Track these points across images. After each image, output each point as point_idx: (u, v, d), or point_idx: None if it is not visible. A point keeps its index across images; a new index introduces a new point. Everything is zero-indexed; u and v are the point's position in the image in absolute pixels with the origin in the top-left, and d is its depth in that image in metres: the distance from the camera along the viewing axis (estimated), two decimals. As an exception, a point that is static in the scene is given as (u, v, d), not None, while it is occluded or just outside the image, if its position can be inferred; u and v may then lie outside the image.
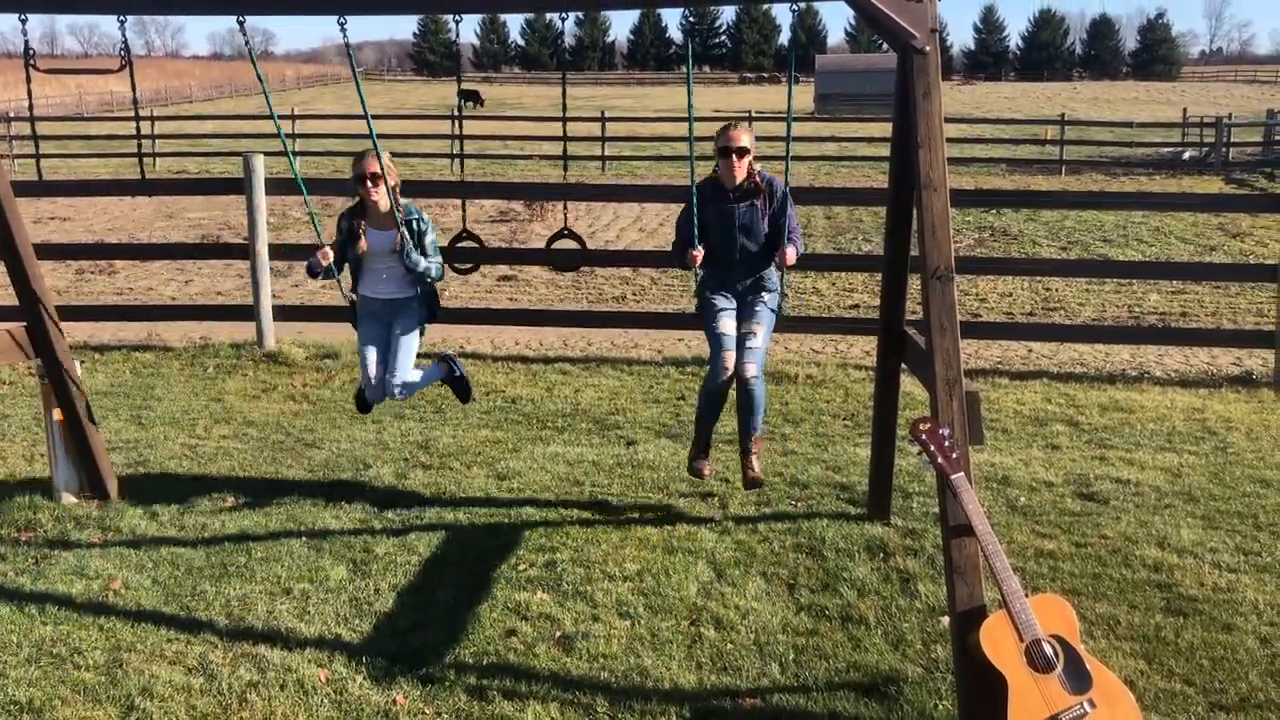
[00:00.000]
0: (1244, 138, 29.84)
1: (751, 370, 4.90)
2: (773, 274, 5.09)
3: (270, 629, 4.11)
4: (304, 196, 5.42)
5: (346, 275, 5.33)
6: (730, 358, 4.90)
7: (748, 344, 4.95)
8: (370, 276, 5.25)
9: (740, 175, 5.00)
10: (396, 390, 5.20)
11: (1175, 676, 3.77)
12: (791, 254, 4.91)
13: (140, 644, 3.99)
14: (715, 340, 4.97)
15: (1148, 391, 7.48)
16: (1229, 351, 8.63)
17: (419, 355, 5.39)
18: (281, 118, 27.46)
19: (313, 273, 5.15)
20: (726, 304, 5.05)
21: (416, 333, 5.28)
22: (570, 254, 5.49)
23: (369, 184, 5.10)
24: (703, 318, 5.11)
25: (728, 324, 4.99)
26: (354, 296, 5.34)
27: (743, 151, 4.98)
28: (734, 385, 4.98)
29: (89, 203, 18.76)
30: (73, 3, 4.46)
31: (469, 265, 6.12)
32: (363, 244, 5.15)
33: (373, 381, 5.23)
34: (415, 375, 5.27)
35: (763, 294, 5.08)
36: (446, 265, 5.50)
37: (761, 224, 4.99)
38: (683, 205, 5.08)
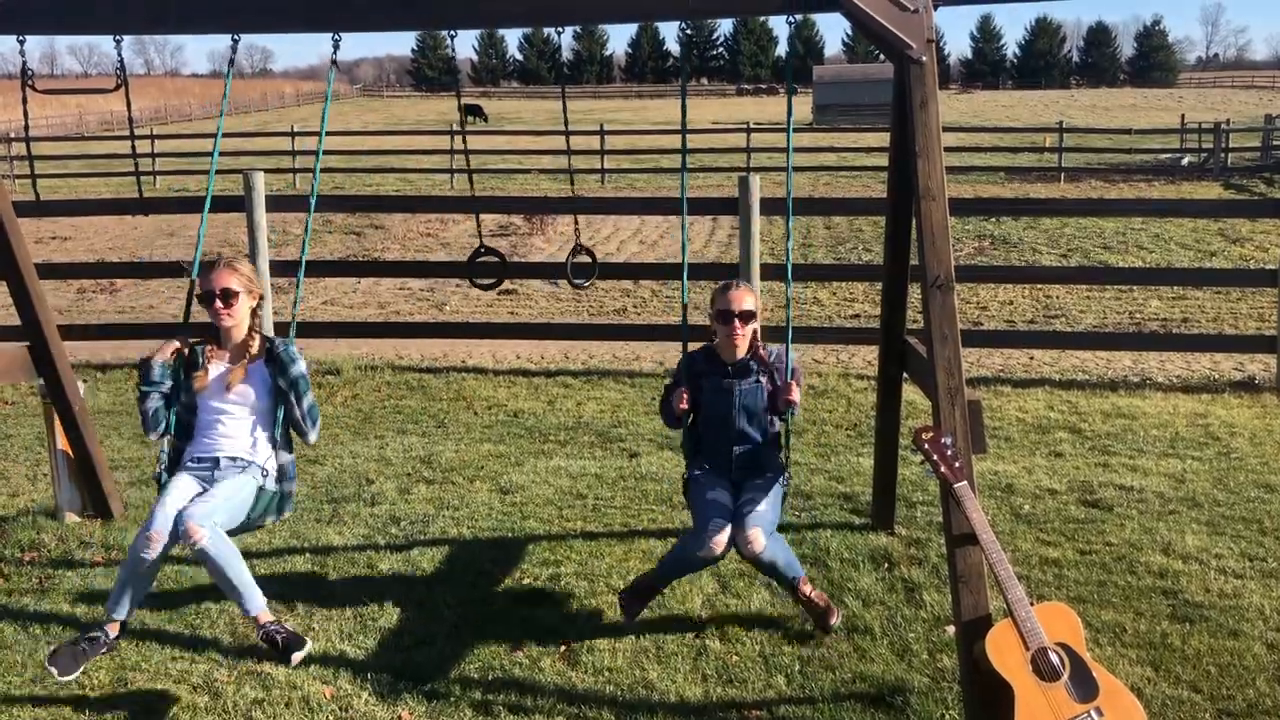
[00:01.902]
0: (1242, 143, 29.88)
1: (758, 543, 3.85)
2: (775, 452, 4.26)
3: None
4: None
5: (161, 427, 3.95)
6: (721, 532, 3.85)
7: (746, 510, 3.94)
8: (203, 428, 3.91)
9: (743, 348, 4.15)
10: (187, 521, 3.55)
11: (1182, 683, 3.76)
12: (797, 392, 4.10)
13: (145, 663, 3.98)
14: (704, 509, 3.97)
15: (1150, 398, 7.48)
16: (1231, 356, 8.63)
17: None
18: (280, 135, 27.59)
19: (145, 375, 3.89)
20: (720, 482, 4.14)
21: (249, 489, 3.85)
22: (586, 267, 5.44)
23: (218, 304, 3.88)
24: (688, 497, 4.20)
25: (721, 494, 4.05)
26: (162, 464, 3.94)
27: (747, 316, 4.12)
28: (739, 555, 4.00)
29: (89, 222, 18.79)
30: (70, 24, 4.47)
31: (490, 281, 5.78)
32: (201, 377, 3.86)
33: (160, 516, 3.61)
34: (225, 545, 3.64)
35: (766, 473, 4.17)
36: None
37: (765, 404, 4.16)
38: (681, 219, 4.68)
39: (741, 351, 4.18)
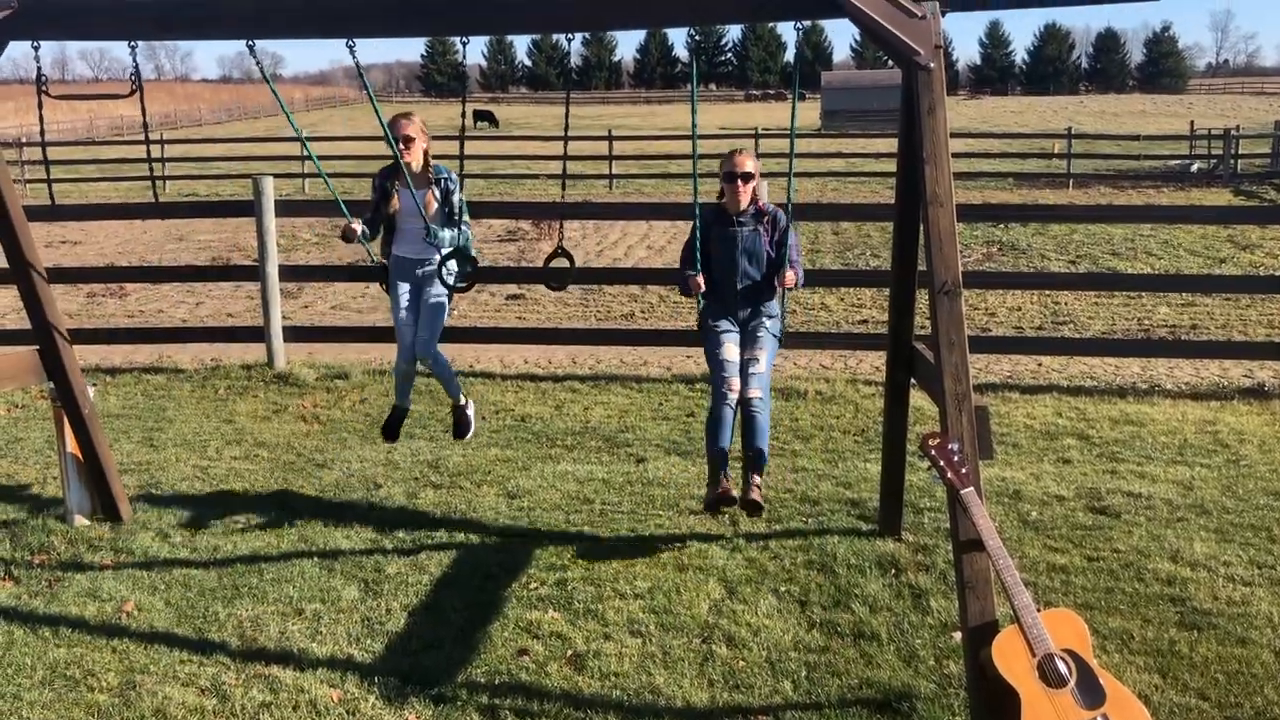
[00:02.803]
0: (1252, 149, 29.83)
1: (756, 393, 4.85)
2: (774, 301, 5.09)
3: (283, 649, 4.12)
4: (325, 180, 5.49)
5: (375, 244, 5.53)
6: (734, 382, 4.86)
7: (751, 369, 4.91)
8: (403, 237, 5.43)
9: (745, 200, 5.02)
10: (431, 350, 5.40)
11: (1190, 691, 3.75)
12: (792, 277, 4.91)
13: (153, 666, 4.00)
14: (718, 365, 4.93)
15: (1159, 404, 7.46)
16: (1240, 363, 8.60)
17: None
18: (290, 140, 27.69)
19: (346, 238, 5.29)
20: (729, 328, 5.03)
21: (446, 297, 5.43)
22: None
23: (402, 145, 5.26)
24: (704, 344, 5.09)
25: (730, 350, 4.95)
26: (383, 260, 5.55)
27: (747, 177, 5.00)
28: (739, 410, 4.91)
29: (100, 226, 18.88)
30: (84, 30, 4.51)
31: (559, 285, 5.85)
32: (394, 203, 5.37)
33: (406, 344, 5.42)
34: (442, 361, 5.53)
35: (764, 319, 5.05)
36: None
37: (764, 248, 5.00)
38: (689, 224, 5.06)
39: (744, 204, 5.02)
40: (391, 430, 5.72)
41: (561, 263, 5.30)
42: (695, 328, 5.33)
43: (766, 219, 5.04)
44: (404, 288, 5.48)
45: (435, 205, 5.32)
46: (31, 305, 5.07)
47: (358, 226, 5.25)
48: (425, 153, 5.39)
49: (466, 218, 5.45)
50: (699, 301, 5.10)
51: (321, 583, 4.70)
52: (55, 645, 4.16)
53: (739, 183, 4.99)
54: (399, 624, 4.33)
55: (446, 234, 5.29)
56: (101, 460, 5.33)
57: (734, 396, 4.85)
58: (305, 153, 4.93)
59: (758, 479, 4.93)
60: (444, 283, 5.29)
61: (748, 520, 5.32)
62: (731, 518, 5.39)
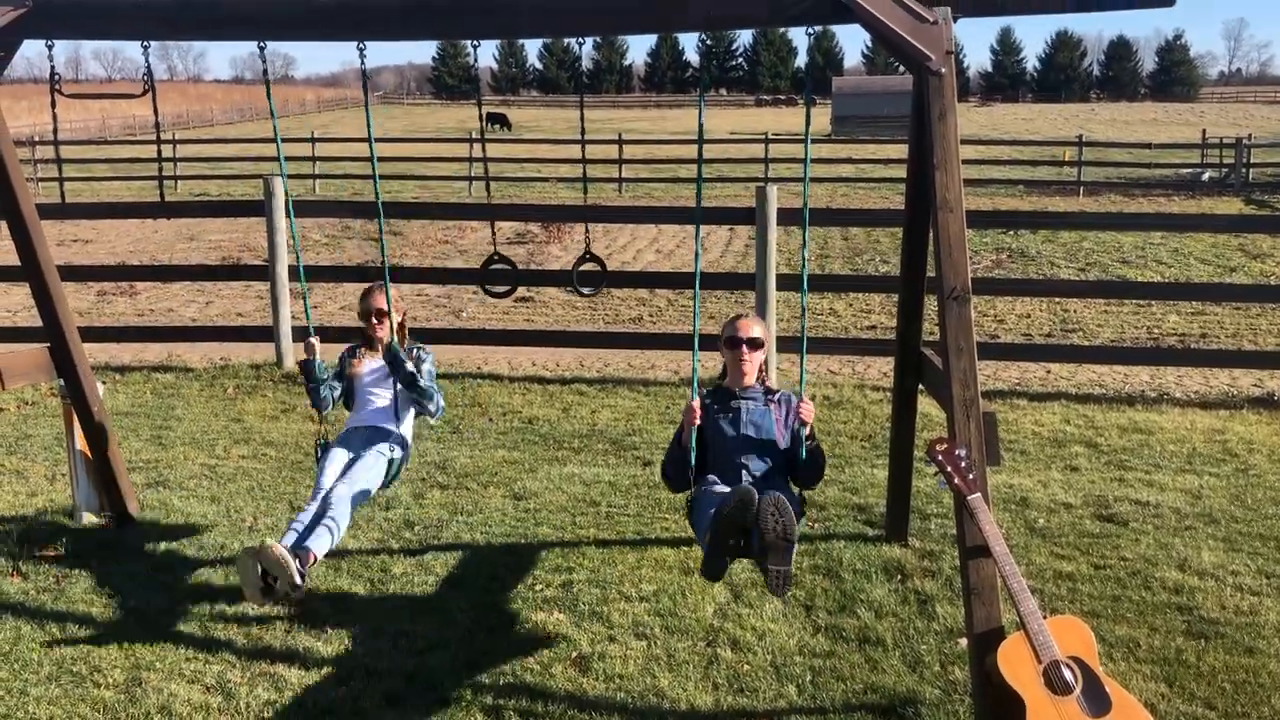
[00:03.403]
0: (1264, 158, 29.70)
1: (780, 501, 3.53)
2: (791, 491, 4.02)
3: (288, 648, 4.13)
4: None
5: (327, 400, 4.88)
6: (746, 487, 3.60)
7: (770, 484, 3.90)
8: (361, 402, 4.92)
9: (750, 375, 4.20)
10: (335, 494, 4.40)
11: (1197, 700, 3.74)
12: (809, 407, 4.02)
13: (159, 663, 4.01)
14: (719, 497, 3.75)
15: (1167, 413, 7.44)
16: (1250, 373, 8.58)
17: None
18: (301, 141, 27.77)
19: (306, 369, 4.82)
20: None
21: (386, 462, 4.68)
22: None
23: (374, 320, 4.88)
24: (694, 518, 3.93)
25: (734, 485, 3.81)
26: (324, 440, 4.78)
27: (754, 344, 4.20)
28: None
29: (111, 224, 18.95)
30: (96, 29, 4.53)
31: (591, 289, 5.74)
32: (358, 364, 4.94)
33: (322, 488, 4.46)
34: (350, 506, 4.43)
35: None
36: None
37: (774, 427, 4.08)
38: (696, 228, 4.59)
39: (750, 379, 4.21)
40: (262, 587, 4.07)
41: (591, 267, 5.28)
42: (703, 331, 4.64)
43: (778, 398, 4.18)
44: (339, 452, 4.66)
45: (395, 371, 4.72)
46: (43, 303, 5.10)
47: (317, 345, 4.77)
48: (401, 327, 4.97)
49: (435, 388, 4.83)
50: (691, 476, 4.03)
51: (328, 582, 4.70)
52: (62, 641, 4.17)
53: (744, 349, 4.17)
54: (404, 624, 4.33)
55: (423, 380, 4.73)
56: (110, 458, 5.35)
57: (749, 494, 3.54)
58: (279, 157, 4.65)
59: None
60: (417, 383, 4.70)
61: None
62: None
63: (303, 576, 4.01)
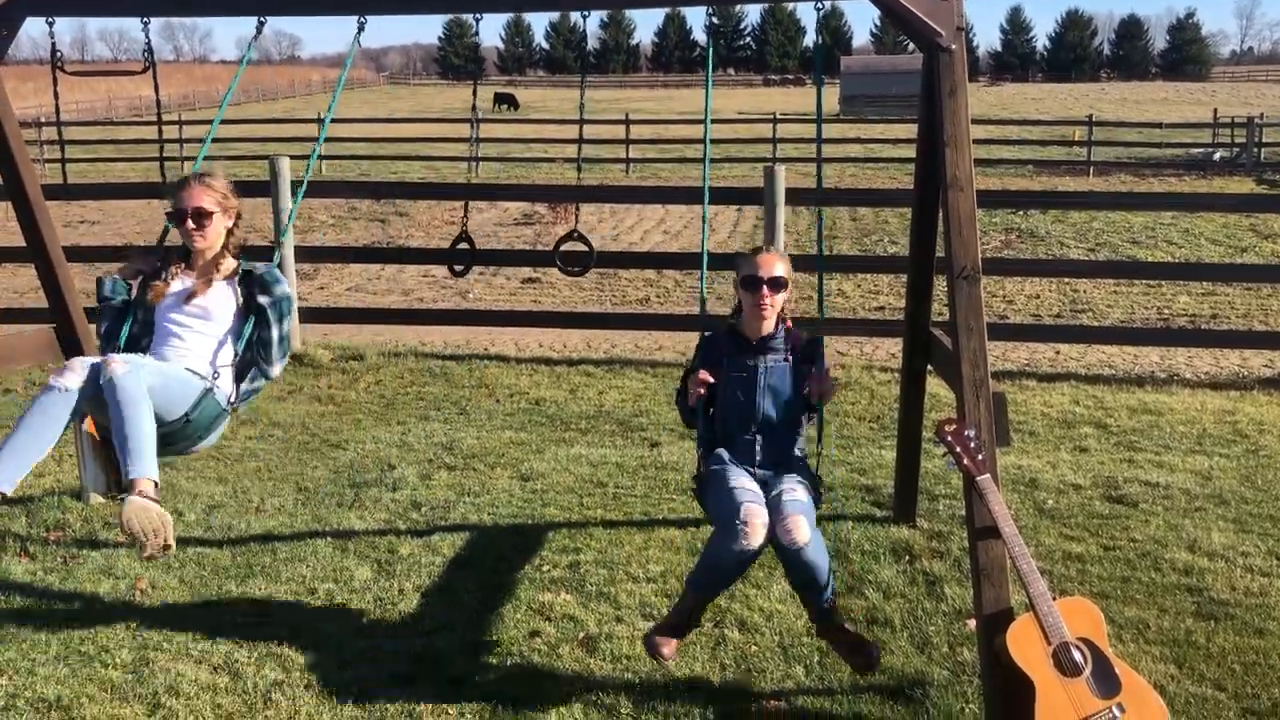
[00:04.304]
0: (1276, 138, 29.52)
1: (801, 533, 3.32)
2: (800, 455, 3.82)
3: (295, 628, 4.12)
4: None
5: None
6: (757, 518, 3.31)
7: (785, 498, 3.43)
8: (158, 343, 3.67)
9: (771, 320, 3.69)
10: (116, 360, 3.34)
11: (1206, 681, 3.72)
12: (830, 381, 3.74)
13: (166, 643, 4.01)
14: (730, 497, 3.40)
15: (1177, 394, 7.40)
16: (1260, 353, 8.52)
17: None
18: (306, 121, 27.71)
19: (98, 291, 3.76)
20: (741, 472, 3.62)
21: (193, 388, 3.57)
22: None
23: (190, 224, 3.66)
24: (706, 489, 3.64)
25: (746, 481, 3.52)
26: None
27: (777, 284, 3.65)
28: (779, 552, 3.44)
29: (117, 205, 18.94)
30: (97, 5, 4.50)
31: (578, 268, 5.58)
32: (160, 287, 3.63)
33: (80, 359, 3.45)
34: (150, 392, 3.37)
35: (787, 479, 3.60)
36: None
37: (794, 387, 3.72)
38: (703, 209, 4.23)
39: (769, 326, 3.69)
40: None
41: (577, 247, 5.19)
42: (711, 311, 4.60)
43: (797, 349, 3.74)
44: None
45: (217, 313, 3.70)
46: (48, 284, 5.08)
47: (110, 277, 3.74)
48: (229, 233, 3.84)
49: (288, 324, 3.77)
50: (699, 444, 3.82)
51: (334, 563, 4.70)
52: (70, 621, 4.18)
53: (765, 291, 3.63)
54: (411, 605, 4.33)
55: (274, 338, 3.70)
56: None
57: (757, 540, 3.31)
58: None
59: (838, 622, 3.57)
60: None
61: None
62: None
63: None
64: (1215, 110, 33.61)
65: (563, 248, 5.28)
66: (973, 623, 3.99)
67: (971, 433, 3.45)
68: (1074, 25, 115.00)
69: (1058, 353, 8.75)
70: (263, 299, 3.68)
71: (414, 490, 5.60)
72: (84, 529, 5.09)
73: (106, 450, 5.40)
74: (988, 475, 3.39)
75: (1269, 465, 5.90)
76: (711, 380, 3.64)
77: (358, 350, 8.49)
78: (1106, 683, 3.09)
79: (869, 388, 7.53)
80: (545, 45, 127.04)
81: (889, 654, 3.92)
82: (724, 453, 3.70)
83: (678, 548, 4.84)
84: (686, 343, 8.90)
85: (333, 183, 16.22)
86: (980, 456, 3.41)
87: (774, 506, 3.40)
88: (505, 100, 54.89)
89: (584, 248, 5.09)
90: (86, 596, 4.39)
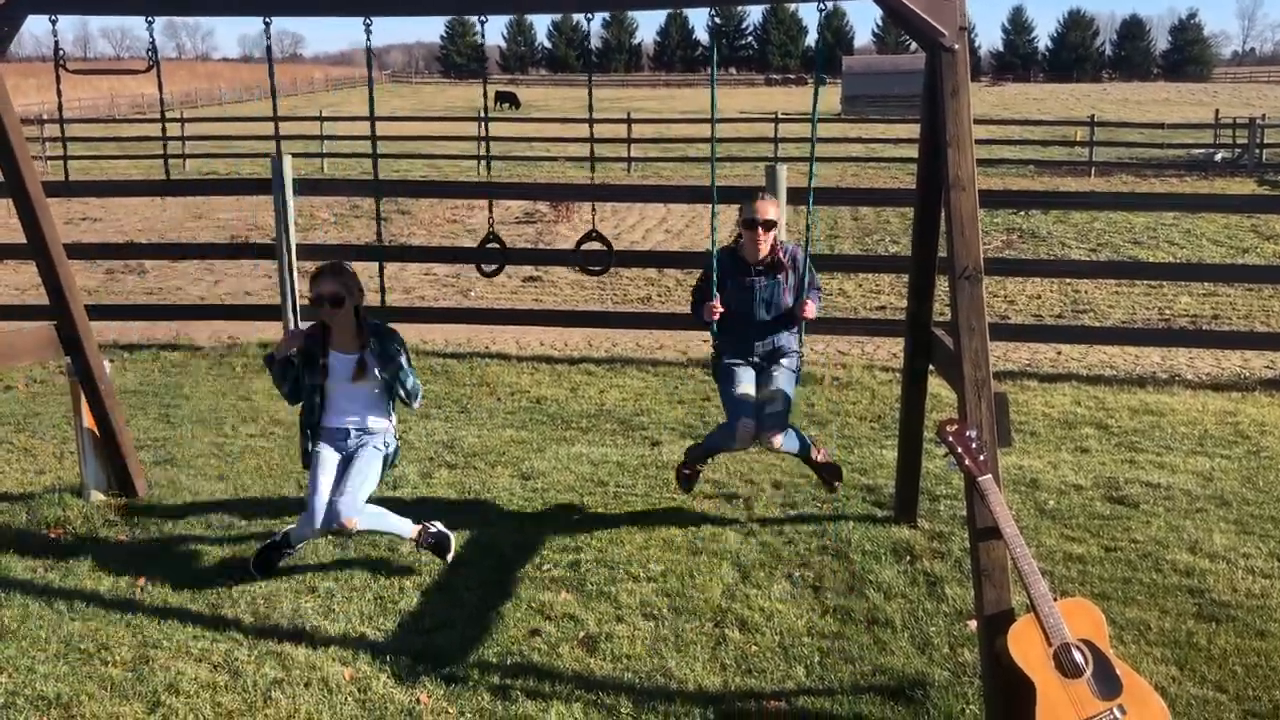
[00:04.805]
0: (1277, 139, 29.46)
1: (778, 440, 4.73)
2: (792, 337, 4.99)
3: (295, 627, 4.13)
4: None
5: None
6: (748, 425, 4.71)
7: (768, 409, 4.76)
8: (334, 406, 4.56)
9: (765, 249, 4.86)
10: (343, 515, 4.27)
11: (1208, 683, 3.72)
12: (812, 308, 4.82)
13: (166, 641, 4.01)
14: (732, 405, 4.79)
15: (1179, 394, 7.39)
16: (1262, 354, 8.52)
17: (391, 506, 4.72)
18: (309, 119, 27.70)
19: (270, 361, 4.55)
20: (743, 368, 4.93)
21: (380, 462, 4.56)
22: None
23: (328, 307, 4.43)
24: (717, 381, 4.99)
25: (746, 388, 4.82)
26: (307, 437, 4.60)
27: (770, 225, 4.82)
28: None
29: (119, 203, 18.94)
30: (100, 3, 4.49)
31: (599, 268, 5.75)
32: (325, 376, 4.51)
33: (318, 508, 4.34)
34: (372, 511, 4.45)
35: (782, 359, 4.95)
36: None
37: (784, 298, 4.88)
38: (707, 208, 5.00)
39: (763, 253, 4.83)
40: (265, 561, 4.55)
41: (594, 246, 5.24)
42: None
43: (786, 268, 4.89)
44: (330, 453, 4.52)
45: (367, 375, 4.50)
46: (50, 281, 5.08)
47: (294, 344, 4.48)
48: (358, 311, 4.53)
49: (411, 379, 4.58)
50: (714, 333, 4.95)
51: (335, 561, 4.70)
52: (70, 619, 4.18)
53: (759, 231, 4.82)
54: (412, 603, 4.33)
55: (409, 380, 4.55)
56: (118, 436, 5.35)
57: (747, 442, 4.77)
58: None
59: (820, 455, 5.07)
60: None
61: (762, 505, 5.31)
62: (745, 501, 5.37)
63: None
64: (1217, 111, 33.56)
65: (583, 247, 5.31)
66: (974, 623, 3.98)
67: (973, 433, 3.45)
68: (1076, 25, 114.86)
69: (1059, 353, 8.74)
70: (386, 374, 4.53)
71: (414, 488, 5.60)
72: (85, 526, 5.09)
73: (107, 448, 5.43)
74: (989, 476, 3.39)
75: (1270, 467, 5.89)
76: (722, 310, 4.78)
77: (359, 348, 8.48)
78: (1107, 684, 3.08)
79: (870, 387, 7.52)
80: (548, 44, 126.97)
81: (889, 655, 3.92)
82: (730, 351, 4.92)
83: (678, 547, 4.84)
84: (687, 342, 8.90)
85: (334, 181, 16.22)
86: (981, 457, 3.41)
87: (761, 417, 4.71)
88: (507, 99, 54.89)
89: (603, 247, 5.23)
90: (87, 594, 4.39)
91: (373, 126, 4.93)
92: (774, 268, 4.86)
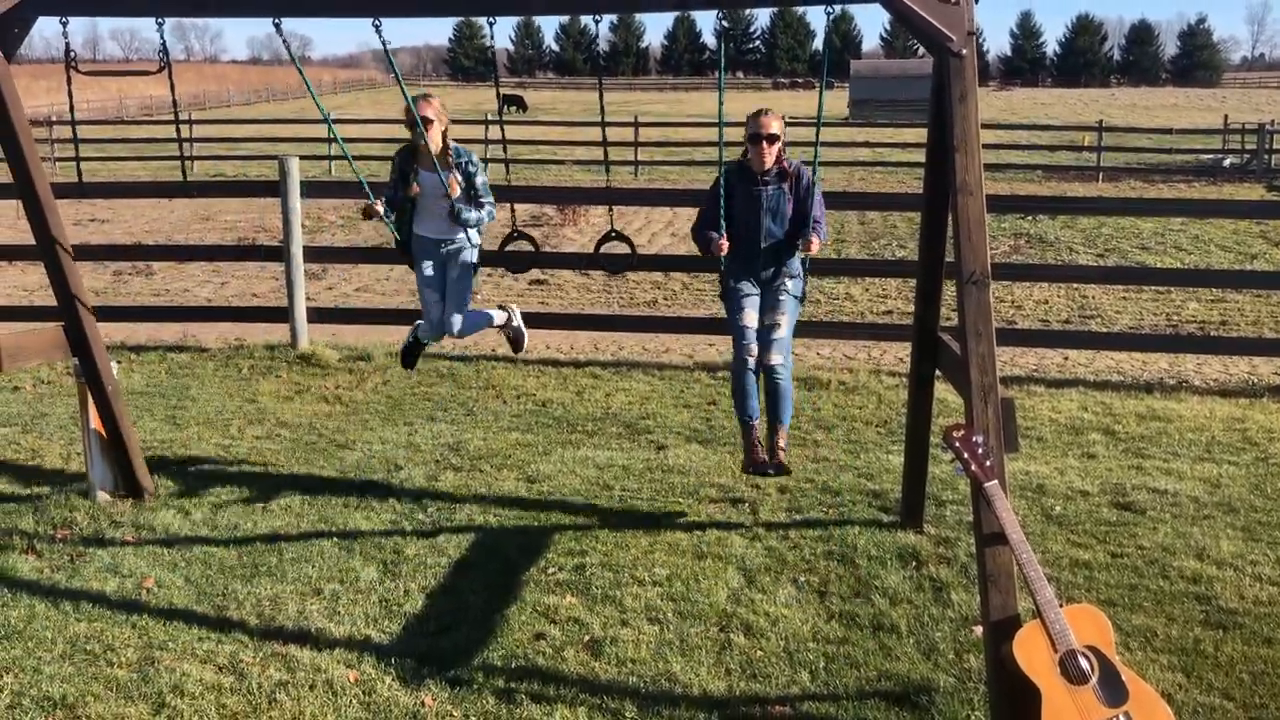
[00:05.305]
0: (1286, 144, 29.35)
1: (777, 359, 4.95)
2: (796, 260, 5.14)
3: (300, 629, 4.13)
4: (348, 159, 5.45)
5: (382, 219, 5.45)
6: (754, 348, 4.97)
7: (773, 335, 4.99)
8: (424, 216, 5.47)
9: (769, 161, 5.02)
10: (455, 327, 5.54)
11: (1215, 690, 3.70)
12: (816, 244, 4.92)
13: (172, 642, 4.01)
14: (738, 331, 5.03)
15: (1186, 401, 7.37)
16: (1270, 360, 8.49)
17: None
18: (317, 122, 27.71)
19: (368, 215, 5.38)
20: (750, 290, 5.08)
21: (471, 271, 5.56)
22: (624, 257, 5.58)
23: (422, 128, 5.23)
24: (726, 305, 5.16)
25: (750, 315, 5.02)
26: (397, 237, 5.57)
27: (773, 138, 5.00)
28: (761, 376, 5.03)
29: (127, 205, 18.99)
30: (110, 5, 4.51)
31: (616, 270, 6.29)
32: (414, 188, 5.40)
33: (434, 320, 5.57)
34: (469, 318, 5.67)
35: (787, 280, 5.10)
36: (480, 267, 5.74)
37: (787, 207, 5.03)
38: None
39: (768, 164, 5.01)
40: (410, 356, 5.96)
41: (616, 247, 5.38)
42: (718, 315, 5.28)
43: (791, 178, 5.06)
44: (428, 265, 5.56)
45: (459, 188, 5.31)
46: (57, 282, 5.09)
47: (380, 207, 5.29)
48: (444, 134, 5.39)
49: (490, 198, 5.49)
50: (721, 262, 5.08)
51: (340, 563, 4.71)
52: (76, 619, 4.18)
53: (764, 144, 4.98)
54: (417, 606, 4.33)
55: (472, 214, 5.36)
56: (124, 437, 5.36)
57: (753, 361, 4.97)
58: (331, 135, 4.88)
59: (782, 442, 5.04)
60: (479, 220, 5.40)
61: (767, 510, 5.30)
62: (751, 506, 5.37)
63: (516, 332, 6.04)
64: (1226, 116, 33.53)
65: (603, 248, 5.53)
66: (979, 629, 3.97)
67: (979, 438, 3.44)
68: (1084, 30, 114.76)
69: (1066, 358, 8.73)
70: (471, 191, 5.40)
71: (420, 491, 5.60)
72: (91, 527, 5.10)
73: (114, 449, 5.44)
74: (995, 481, 3.38)
75: (1278, 474, 5.87)
76: (728, 244, 4.93)
77: (365, 351, 8.50)
78: (1113, 691, 3.08)
79: (876, 392, 7.51)
80: (555, 47, 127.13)
81: (895, 660, 3.91)
82: (736, 267, 5.06)
83: (684, 551, 4.83)
84: (694, 345, 8.91)
85: (343, 183, 16.23)
86: (988, 462, 3.40)
87: (765, 338, 4.97)
88: (514, 101, 54.96)
89: (626, 248, 5.57)
90: (93, 595, 4.40)
91: (416, 128, 4.94)
92: (779, 177, 5.04)
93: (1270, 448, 6.32)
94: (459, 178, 5.30)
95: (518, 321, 6.01)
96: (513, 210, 5.72)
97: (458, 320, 5.59)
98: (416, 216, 5.51)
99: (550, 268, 12.01)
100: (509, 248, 5.74)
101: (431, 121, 5.27)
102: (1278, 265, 13.38)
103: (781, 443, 5.05)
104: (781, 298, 5.05)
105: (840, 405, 7.21)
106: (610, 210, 5.74)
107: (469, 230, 5.44)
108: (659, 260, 11.67)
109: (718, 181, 5.01)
